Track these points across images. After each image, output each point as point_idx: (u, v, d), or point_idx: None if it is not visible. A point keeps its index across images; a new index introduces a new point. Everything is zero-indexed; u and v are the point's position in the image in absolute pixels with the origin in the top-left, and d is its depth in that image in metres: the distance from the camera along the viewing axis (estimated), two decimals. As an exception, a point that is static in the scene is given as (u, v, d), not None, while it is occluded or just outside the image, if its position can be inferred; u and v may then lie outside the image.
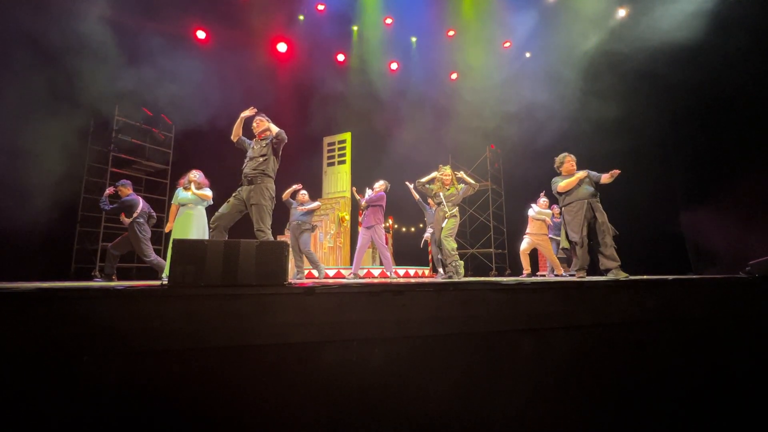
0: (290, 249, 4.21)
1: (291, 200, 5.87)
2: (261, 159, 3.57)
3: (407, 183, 5.73)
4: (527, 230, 6.27)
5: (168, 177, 8.23)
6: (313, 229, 5.90)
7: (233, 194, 3.58)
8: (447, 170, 4.70)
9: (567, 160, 4.32)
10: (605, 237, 3.88)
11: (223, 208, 3.52)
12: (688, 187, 6.88)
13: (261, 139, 3.72)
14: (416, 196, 6.05)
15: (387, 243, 8.12)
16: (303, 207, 5.76)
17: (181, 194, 4.73)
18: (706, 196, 6.67)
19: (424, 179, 4.81)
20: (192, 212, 4.64)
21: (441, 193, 4.62)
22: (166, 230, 4.90)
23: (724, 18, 6.33)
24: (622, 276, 3.61)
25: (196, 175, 4.77)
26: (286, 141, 3.71)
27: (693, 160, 6.99)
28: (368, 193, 5.82)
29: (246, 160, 3.67)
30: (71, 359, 1.48)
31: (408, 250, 9.61)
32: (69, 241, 7.02)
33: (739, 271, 3.31)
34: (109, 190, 5.26)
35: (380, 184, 5.88)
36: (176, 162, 8.26)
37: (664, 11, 6.93)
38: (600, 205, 4.06)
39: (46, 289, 1.59)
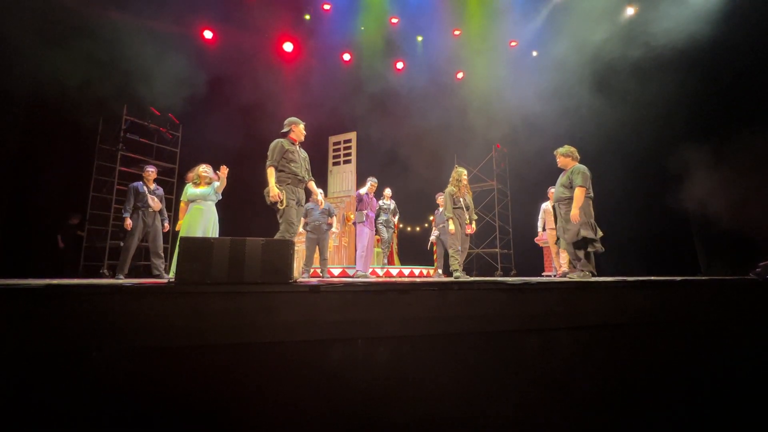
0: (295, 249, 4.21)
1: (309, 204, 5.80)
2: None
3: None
4: (548, 225, 5.92)
5: (175, 176, 8.29)
6: (329, 227, 5.87)
7: (291, 200, 3.56)
8: (464, 173, 4.78)
9: (558, 156, 4.25)
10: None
11: (296, 217, 3.58)
12: (700, 187, 6.78)
13: (298, 144, 3.76)
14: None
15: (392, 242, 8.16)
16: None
17: (190, 190, 4.63)
18: (717, 196, 6.57)
19: (447, 212, 4.73)
20: (202, 207, 4.56)
21: (461, 198, 4.60)
22: (176, 228, 4.89)
23: (733, 13, 6.24)
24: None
25: (206, 169, 4.72)
26: None
27: (705, 159, 6.89)
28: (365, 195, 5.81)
29: (300, 163, 3.65)
30: (80, 355, 1.51)
31: (413, 250, 9.60)
32: (77, 239, 7.11)
33: (749, 272, 3.27)
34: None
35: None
36: (183, 161, 8.32)
37: (672, 9, 6.85)
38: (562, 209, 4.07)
39: (56, 285, 1.62)
